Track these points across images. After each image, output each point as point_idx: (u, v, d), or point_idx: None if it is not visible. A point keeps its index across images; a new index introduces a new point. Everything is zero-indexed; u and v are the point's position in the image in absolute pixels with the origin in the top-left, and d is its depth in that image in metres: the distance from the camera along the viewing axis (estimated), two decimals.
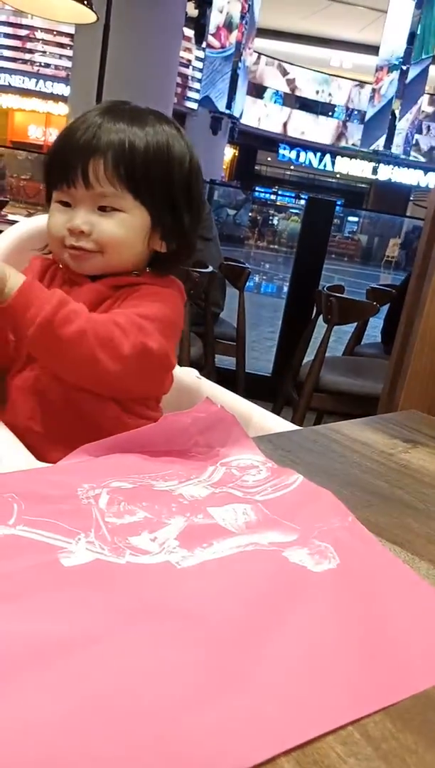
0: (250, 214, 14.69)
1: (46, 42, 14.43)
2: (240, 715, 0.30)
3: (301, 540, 0.45)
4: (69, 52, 10.88)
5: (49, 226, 0.76)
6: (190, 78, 12.85)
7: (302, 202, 14.37)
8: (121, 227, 0.73)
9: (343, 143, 17.52)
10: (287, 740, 0.29)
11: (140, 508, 0.45)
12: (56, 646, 0.32)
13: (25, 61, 14.86)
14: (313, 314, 2.37)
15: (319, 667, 0.34)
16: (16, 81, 15.33)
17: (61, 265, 0.79)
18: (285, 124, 17.20)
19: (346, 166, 18.35)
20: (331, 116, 17.66)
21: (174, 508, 0.46)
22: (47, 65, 14.87)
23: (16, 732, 0.27)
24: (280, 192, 18.77)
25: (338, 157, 18.23)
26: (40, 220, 0.86)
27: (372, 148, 16.55)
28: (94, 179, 0.71)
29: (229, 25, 13.31)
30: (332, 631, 0.37)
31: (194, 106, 12.85)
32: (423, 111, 16.04)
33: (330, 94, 17.37)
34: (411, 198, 17.91)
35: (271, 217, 15.42)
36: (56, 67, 14.58)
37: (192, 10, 9.74)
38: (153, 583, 0.38)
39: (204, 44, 12.62)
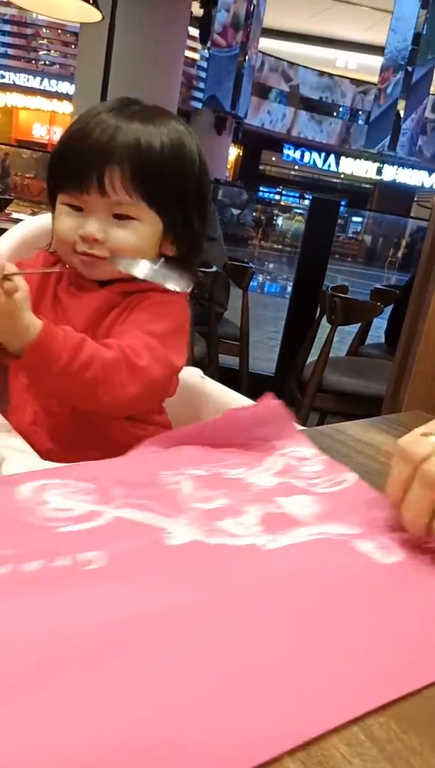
0: (254, 213, 14.69)
1: (50, 40, 14.45)
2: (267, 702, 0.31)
3: (366, 533, 0.47)
4: (74, 51, 10.90)
5: (58, 230, 0.73)
6: (194, 77, 12.85)
7: (306, 202, 14.37)
8: (135, 236, 0.72)
9: (347, 143, 17.50)
10: (304, 732, 0.30)
11: (220, 495, 0.49)
12: (167, 621, 0.35)
13: (29, 60, 14.87)
14: (317, 314, 2.37)
15: (366, 657, 0.35)
16: (21, 79, 15.34)
17: (67, 265, 0.78)
18: (289, 124, 17.19)
19: (350, 167, 18.32)
20: (336, 116, 17.64)
21: (248, 497, 0.50)
22: (52, 64, 14.88)
23: (131, 702, 0.29)
24: (284, 192, 18.75)
25: (343, 158, 18.21)
26: (44, 219, 0.86)
27: (376, 148, 16.53)
28: (110, 188, 0.69)
29: (235, 25, 13.31)
30: (392, 622, 0.38)
31: (198, 105, 12.85)
32: (426, 117, 16.01)
33: (334, 95, 17.35)
34: (415, 199, 17.88)
35: (275, 217, 15.42)
36: (61, 66, 14.60)
37: (197, 10, 9.73)
38: (243, 563, 0.41)
39: (208, 44, 12.61)
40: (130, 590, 0.37)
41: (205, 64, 13.19)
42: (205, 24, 11.59)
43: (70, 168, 0.70)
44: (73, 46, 12.27)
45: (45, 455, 0.63)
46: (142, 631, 0.33)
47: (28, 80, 15.29)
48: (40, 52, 14.61)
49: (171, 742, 0.27)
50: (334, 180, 19.56)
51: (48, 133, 16.94)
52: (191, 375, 0.92)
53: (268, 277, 10.19)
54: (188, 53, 9.90)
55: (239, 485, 0.51)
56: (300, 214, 14.33)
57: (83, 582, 0.36)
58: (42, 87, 15.35)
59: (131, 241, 0.72)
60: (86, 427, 0.73)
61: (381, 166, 17.61)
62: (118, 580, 0.37)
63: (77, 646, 0.32)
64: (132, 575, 0.38)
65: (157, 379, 0.70)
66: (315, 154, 18.35)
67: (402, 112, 15.74)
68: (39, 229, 0.84)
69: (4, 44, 14.39)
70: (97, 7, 2.92)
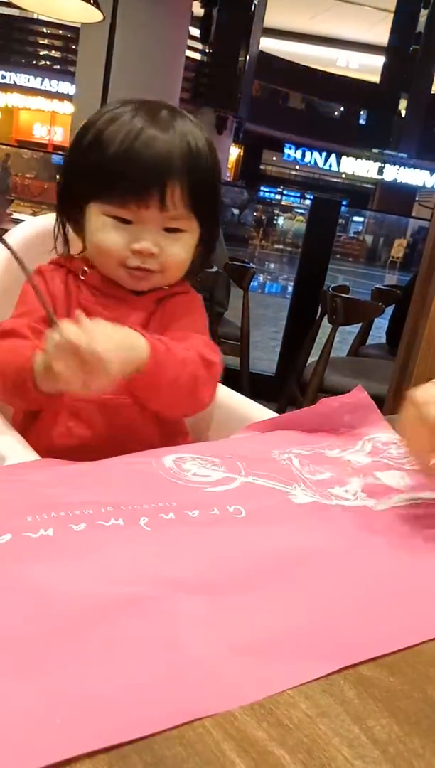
0: (254, 213, 14.68)
1: (51, 41, 14.46)
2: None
3: None
4: (74, 51, 10.91)
5: (105, 244, 0.70)
6: (195, 77, 12.85)
7: (307, 201, 14.35)
8: (185, 248, 0.72)
9: (348, 143, 17.50)
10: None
11: (324, 469, 0.58)
12: (295, 560, 0.43)
13: (30, 60, 14.88)
14: (318, 314, 2.37)
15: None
16: (21, 80, 15.35)
17: (82, 274, 0.75)
18: (290, 124, 17.19)
19: (351, 166, 18.32)
20: (337, 116, 17.64)
21: (349, 471, 0.58)
22: (52, 64, 14.89)
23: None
24: (285, 192, 18.73)
25: (344, 157, 18.20)
26: (46, 220, 0.86)
27: (378, 148, 16.52)
28: (170, 203, 0.68)
29: (236, 25, 13.30)
30: None
31: (199, 105, 12.84)
32: (428, 117, 15.99)
33: (336, 94, 17.34)
34: (416, 198, 17.88)
35: (275, 217, 15.41)
36: (61, 66, 14.60)
37: (198, 9, 9.74)
38: (358, 519, 0.50)
39: (209, 43, 12.61)
40: (273, 532, 0.46)
41: (206, 64, 13.18)
42: (205, 23, 11.60)
43: (130, 182, 0.67)
44: (73, 46, 12.28)
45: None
46: (284, 563, 0.43)
47: (28, 80, 15.29)
48: (41, 52, 14.62)
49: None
50: (335, 180, 19.56)
51: (48, 133, 16.94)
52: None
53: (268, 277, 10.18)
54: (189, 53, 9.89)
55: (338, 462, 0.60)
56: (301, 214, 14.32)
57: (236, 526, 0.46)
58: (42, 87, 15.35)
59: (182, 254, 0.72)
60: (120, 448, 0.72)
61: (382, 165, 17.61)
62: (263, 524, 0.47)
63: (240, 571, 0.41)
64: (272, 522, 0.48)
65: (220, 373, 0.74)
66: (316, 154, 18.35)
67: (403, 112, 15.73)
68: (41, 230, 0.84)
69: (4, 44, 14.39)
70: (98, 7, 2.92)
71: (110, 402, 0.71)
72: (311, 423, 0.67)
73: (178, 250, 0.72)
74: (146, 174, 0.67)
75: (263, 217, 15.09)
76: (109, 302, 0.74)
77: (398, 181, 17.68)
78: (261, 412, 0.82)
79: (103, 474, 0.52)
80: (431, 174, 17.24)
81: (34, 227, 0.84)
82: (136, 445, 0.69)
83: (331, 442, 0.64)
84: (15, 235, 0.83)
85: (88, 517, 0.43)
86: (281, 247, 14.49)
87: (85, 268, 0.75)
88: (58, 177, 0.77)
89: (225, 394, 0.88)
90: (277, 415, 0.75)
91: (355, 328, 2.60)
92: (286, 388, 2.42)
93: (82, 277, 0.75)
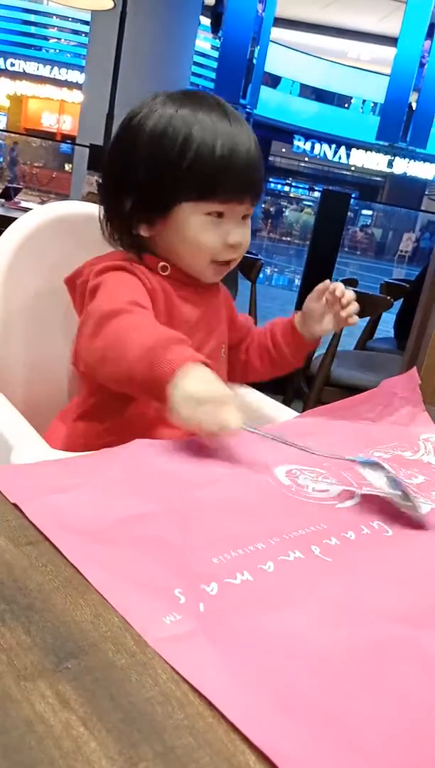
0: (263, 205, 14.64)
1: (61, 29, 14.40)
2: None
3: None
4: (84, 40, 10.85)
5: (204, 242, 0.71)
6: (205, 67, 12.78)
7: (316, 194, 14.28)
8: (249, 232, 0.75)
9: (358, 135, 17.37)
10: None
11: (415, 473, 0.58)
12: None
13: (39, 48, 14.85)
14: None
15: None
16: (31, 68, 15.31)
17: (163, 270, 0.74)
18: (300, 115, 17.08)
19: (361, 159, 18.20)
20: (347, 108, 17.51)
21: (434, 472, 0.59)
22: (62, 52, 14.84)
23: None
24: (293, 184, 18.65)
25: (353, 150, 18.09)
26: (58, 208, 0.85)
27: (388, 141, 16.40)
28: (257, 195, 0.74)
29: (247, 14, 13.20)
30: None
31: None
32: None
33: (346, 86, 17.21)
34: (426, 192, 17.76)
35: (284, 209, 15.35)
36: (71, 55, 14.55)
37: None
38: None
39: (220, 33, 12.53)
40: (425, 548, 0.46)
41: (216, 54, 13.10)
42: (216, 13, 11.52)
43: (234, 182, 0.70)
44: (83, 35, 12.23)
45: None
46: None
47: (37, 69, 15.26)
48: (51, 41, 14.57)
49: None
50: (345, 172, 19.44)
51: (57, 122, 16.89)
52: None
53: (275, 270, 10.15)
54: (199, 42, 9.83)
55: (421, 464, 0.61)
56: (309, 206, 14.26)
57: (399, 545, 0.45)
58: (52, 75, 15.31)
59: (249, 238, 0.75)
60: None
61: (392, 158, 17.49)
62: (416, 540, 0.47)
63: (406, 582, 0.41)
64: (420, 536, 0.47)
65: None
66: (325, 146, 18.24)
67: (414, 104, 15.61)
68: (52, 218, 0.84)
69: (15, 32, 14.34)
70: None
71: None
72: (356, 409, 0.70)
73: (248, 234, 0.75)
74: (245, 172, 0.70)
75: (271, 209, 15.04)
76: (198, 294, 0.76)
77: (408, 174, 17.56)
78: (268, 402, 0.82)
79: (233, 498, 0.49)
80: None
81: (45, 215, 0.84)
82: None
83: (396, 441, 0.65)
84: (27, 224, 0.82)
85: (267, 553, 0.42)
86: (289, 239, 14.44)
87: (165, 264, 0.74)
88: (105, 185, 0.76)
89: (230, 385, 0.87)
90: (294, 412, 0.77)
91: (362, 322, 2.59)
92: (293, 381, 2.42)
93: (164, 273, 0.74)
